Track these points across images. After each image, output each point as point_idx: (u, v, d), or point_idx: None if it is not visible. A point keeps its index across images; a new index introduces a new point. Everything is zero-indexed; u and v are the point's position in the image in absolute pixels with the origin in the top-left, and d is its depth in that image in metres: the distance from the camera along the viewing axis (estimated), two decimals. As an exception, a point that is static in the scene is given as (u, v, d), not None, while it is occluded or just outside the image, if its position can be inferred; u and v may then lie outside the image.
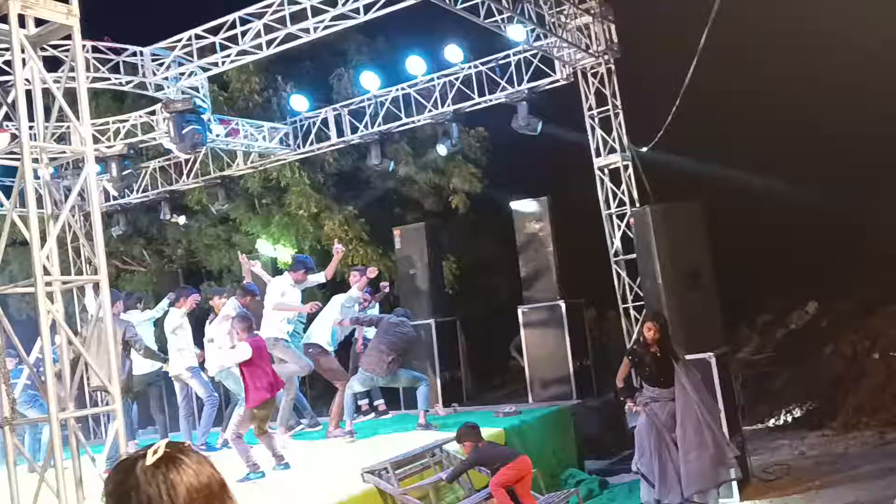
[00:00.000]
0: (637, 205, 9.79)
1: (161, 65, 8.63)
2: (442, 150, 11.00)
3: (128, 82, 8.61)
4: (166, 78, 8.66)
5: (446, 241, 12.81)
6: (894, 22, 11.26)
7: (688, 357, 7.06)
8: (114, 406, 4.17)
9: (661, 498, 6.70)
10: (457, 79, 10.91)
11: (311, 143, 11.99)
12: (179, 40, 8.56)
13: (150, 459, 1.51)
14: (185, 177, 12.69)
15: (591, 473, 8.77)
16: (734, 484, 7.03)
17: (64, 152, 4.55)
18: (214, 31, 8.40)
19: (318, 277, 9.40)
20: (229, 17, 8.30)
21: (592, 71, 10.20)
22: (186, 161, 12.52)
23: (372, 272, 9.81)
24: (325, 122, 11.88)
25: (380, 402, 10.05)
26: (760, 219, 14.15)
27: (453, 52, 10.71)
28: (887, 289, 12.54)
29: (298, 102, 11.94)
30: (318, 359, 8.85)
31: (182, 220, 13.13)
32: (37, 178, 4.39)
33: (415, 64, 11.06)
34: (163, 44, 8.65)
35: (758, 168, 13.82)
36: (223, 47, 8.44)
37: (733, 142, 13.83)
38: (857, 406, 9.82)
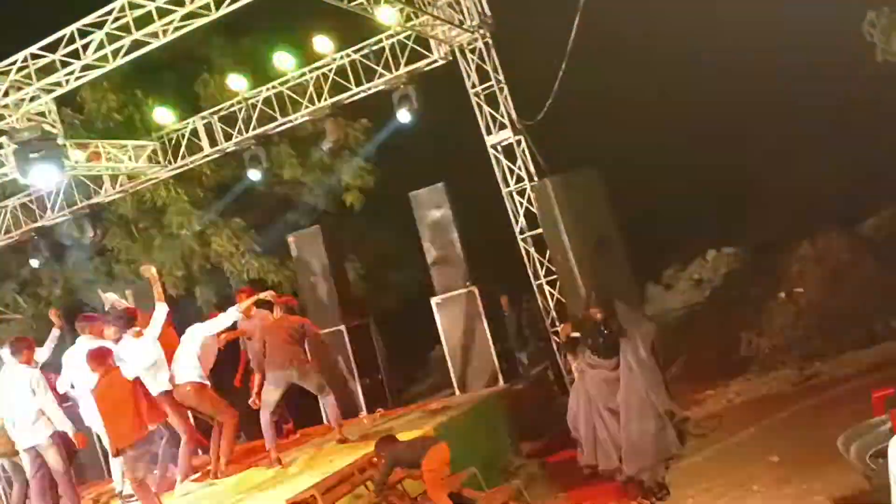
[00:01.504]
0: (535, 179, 9.62)
1: (-2, 91, 7.81)
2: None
3: (-40, 114, 7.76)
4: (6, 105, 7.83)
5: (346, 241, 12.35)
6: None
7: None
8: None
9: (590, 461, 6.62)
10: (330, 70, 10.44)
11: (183, 157, 11.31)
12: (14, 62, 7.74)
13: None
14: (49, 210, 11.73)
15: (530, 456, 8.59)
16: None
17: None
18: (52, 47, 7.64)
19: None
20: (66, 31, 7.54)
21: (470, 47, 9.95)
22: (49, 194, 11.56)
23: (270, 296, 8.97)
24: (194, 132, 11.20)
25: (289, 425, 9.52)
26: (648, 180, 14.37)
27: (322, 43, 10.24)
28: (776, 231, 12.98)
29: (163, 115, 11.20)
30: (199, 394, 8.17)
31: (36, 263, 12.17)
32: None
33: (283, 60, 10.54)
34: (-5, 68, 7.83)
35: (643, 129, 14.05)
36: (64, 64, 7.67)
37: (619, 106, 13.94)
38: (772, 346, 10.02)
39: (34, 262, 12.16)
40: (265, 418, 8.10)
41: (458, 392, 9.94)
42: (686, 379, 9.78)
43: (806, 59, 12.92)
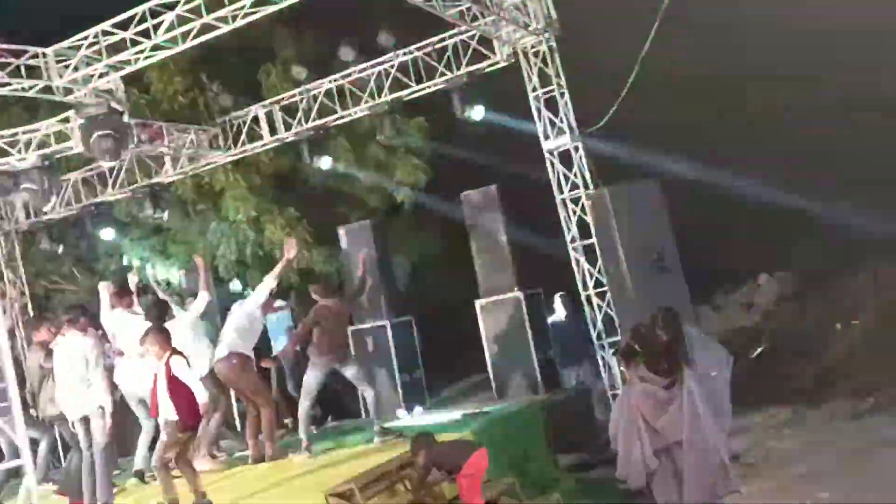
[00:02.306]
0: (591, 188, 9.37)
1: (67, 66, 7.83)
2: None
3: (31, 87, 7.80)
4: (75, 80, 7.86)
5: (395, 237, 12.25)
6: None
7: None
8: (21, 462, 3.51)
9: (621, 476, 6.35)
10: (392, 66, 10.32)
11: (243, 144, 11.29)
12: (86, 38, 7.77)
13: None
14: (110, 187, 11.85)
15: (566, 469, 8.35)
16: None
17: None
18: (123, 25, 7.64)
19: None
20: (138, 10, 7.55)
21: (534, 50, 9.74)
22: (111, 170, 11.67)
23: None
24: (255, 120, 11.18)
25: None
26: (704, 198, 13.99)
27: (386, 39, 10.12)
28: (832, 259, 12.49)
29: (226, 102, 11.24)
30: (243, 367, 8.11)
31: (109, 233, 12.32)
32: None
33: (346, 53, 10.45)
34: (67, 43, 7.85)
35: (704, 146, 13.65)
36: (134, 43, 7.67)
37: (682, 122, 13.55)
38: (825, 377, 9.62)
39: (93, 237, 12.30)
40: (304, 406, 8.04)
41: (496, 397, 9.76)
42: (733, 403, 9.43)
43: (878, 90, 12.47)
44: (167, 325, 8.03)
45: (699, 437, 5.92)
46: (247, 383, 8.06)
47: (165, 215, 12.01)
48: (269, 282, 8.43)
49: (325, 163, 11.16)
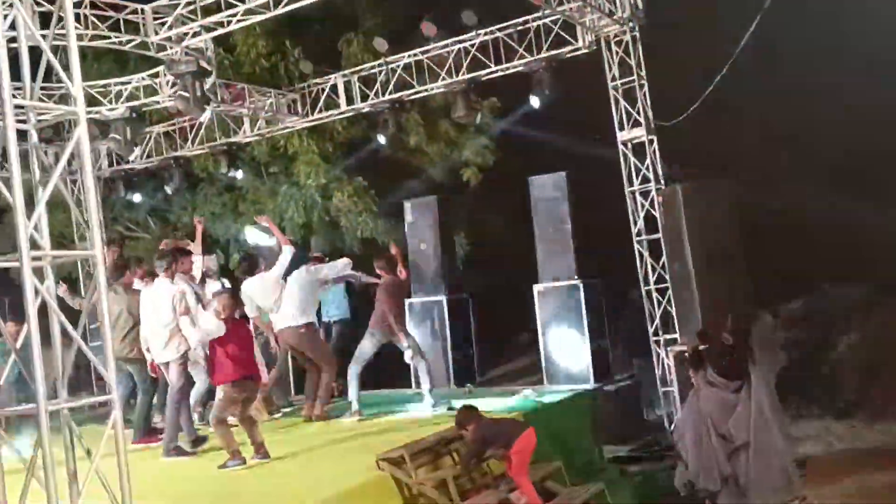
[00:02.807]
0: (662, 182, 9.28)
1: (163, 24, 8.07)
2: (537, 100, 9.88)
3: (128, 41, 8.07)
4: (169, 38, 8.11)
5: (458, 215, 12.31)
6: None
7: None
8: (111, 396, 3.71)
9: (696, 481, 6.31)
10: (472, 45, 10.32)
11: (320, 111, 11.45)
12: (183, -3, 8.01)
13: None
14: (190, 143, 12.18)
15: (610, 460, 8.38)
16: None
17: (54, 112, 4.04)
18: (219, -13, 7.85)
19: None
20: (235, -27, 7.73)
21: (616, 39, 9.65)
22: (191, 126, 12.01)
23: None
24: (333, 88, 11.32)
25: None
26: (774, 202, 13.63)
27: (469, 17, 10.12)
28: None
29: (306, 68, 11.39)
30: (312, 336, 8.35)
31: (183, 186, 12.70)
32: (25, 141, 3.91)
33: (428, 29, 10.48)
34: (165, 1, 8.08)
35: (781, 151, 13.29)
36: (228, 6, 7.86)
37: (763, 124, 13.22)
38: (886, 395, 9.37)
39: (168, 189, 12.66)
40: (354, 370, 8.21)
41: (546, 383, 9.80)
42: (786, 413, 9.28)
43: None
44: (253, 281, 8.26)
45: (766, 441, 5.89)
46: (314, 348, 8.24)
47: (239, 174, 12.30)
48: (347, 263, 8.71)
49: (381, 138, 11.19)
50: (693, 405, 6.28)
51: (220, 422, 6.62)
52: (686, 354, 6.69)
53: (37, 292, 3.65)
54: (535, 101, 9.91)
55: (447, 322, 10.54)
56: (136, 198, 13.12)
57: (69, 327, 3.73)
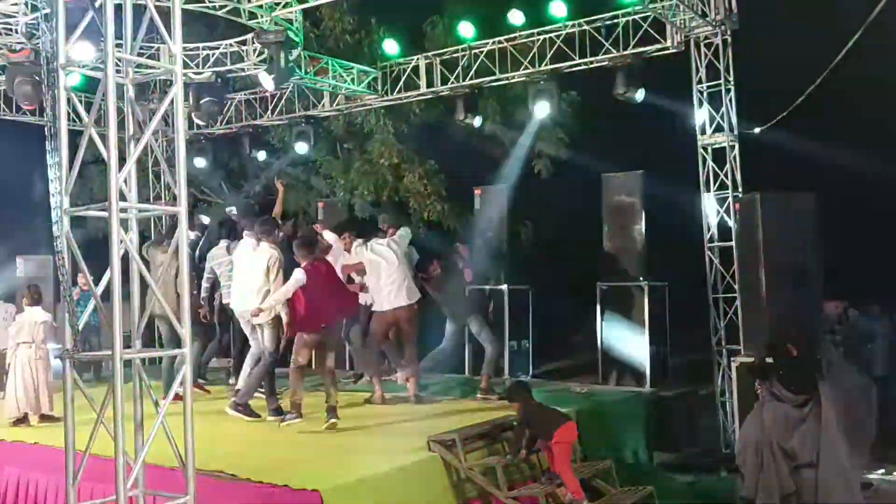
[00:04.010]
0: (741, 190, 9.03)
1: (257, -9, 8.20)
2: (620, 96, 9.73)
3: (221, 7, 8.21)
4: (261, 6, 8.22)
5: (527, 205, 12.22)
6: None
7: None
8: (184, 350, 3.80)
9: (749, 495, 6.15)
10: (558, 37, 10.19)
11: (399, 91, 11.48)
12: (278, -33, 8.11)
13: None
14: (269, 112, 12.38)
15: (661, 466, 8.25)
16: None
17: (152, 68, 4.13)
18: (316, -42, 7.90)
19: None
20: (330, -54, 7.77)
21: (706, 41, 9.40)
22: (272, 97, 12.19)
23: None
24: (415, 70, 11.33)
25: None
26: (858, 218, 13.11)
27: (559, 8, 9.99)
28: None
29: (390, 47, 11.41)
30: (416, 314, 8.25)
31: (262, 155, 12.87)
32: (121, 98, 4.01)
33: (516, 17, 10.40)
34: (261, -33, 8.21)
35: (870, 168, 12.74)
36: (321, -22, 7.93)
37: (854, 137, 12.70)
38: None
39: (244, 156, 12.88)
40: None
41: (601, 383, 9.68)
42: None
43: None
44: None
45: (832, 460, 5.70)
46: (413, 327, 8.20)
47: (301, 147, 12.33)
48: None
49: (476, 121, 11.17)
50: (756, 418, 6.10)
51: (295, 367, 6.86)
52: (753, 364, 6.50)
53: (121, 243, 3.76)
54: (618, 97, 9.75)
55: (506, 311, 10.48)
56: (213, 163, 13.38)
57: (149, 278, 3.83)
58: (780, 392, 5.98)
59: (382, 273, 7.92)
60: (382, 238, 8.20)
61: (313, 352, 7.14)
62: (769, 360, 6.16)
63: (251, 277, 7.34)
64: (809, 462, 5.75)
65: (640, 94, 9.62)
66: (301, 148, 11.90)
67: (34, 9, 7.48)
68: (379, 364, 8.46)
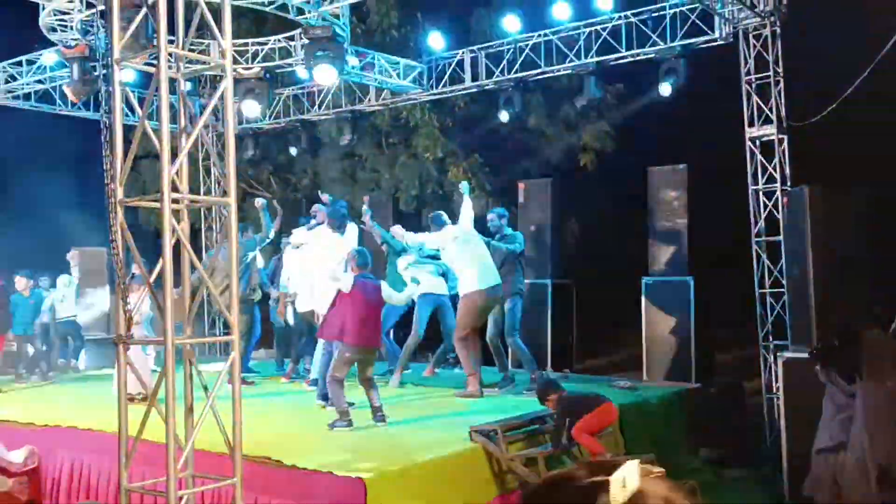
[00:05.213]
0: (789, 183, 8.86)
1: (305, -14, 8.30)
2: (665, 89, 9.71)
3: (270, 2, 8.33)
4: (308, 2, 8.32)
5: (571, 199, 12.16)
6: None
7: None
8: (232, 337, 3.90)
9: (803, 489, 6.05)
10: (604, 29, 10.10)
11: (445, 85, 11.50)
12: (326, -37, 8.19)
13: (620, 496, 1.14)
14: (316, 107, 12.51)
15: (705, 461, 8.16)
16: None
17: (203, 63, 4.23)
18: (362, -46, 7.96)
19: None
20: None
21: (755, 32, 9.22)
22: (319, 91, 12.31)
23: None
24: (460, 64, 11.34)
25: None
26: None
27: (604, 1, 9.91)
28: None
29: (435, 41, 11.44)
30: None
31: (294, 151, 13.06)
32: (174, 93, 4.12)
33: (561, 10, 10.34)
34: (309, -37, 8.30)
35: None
36: (369, -26, 7.99)
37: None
38: None
39: (293, 151, 13.04)
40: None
41: (645, 377, 9.61)
42: None
43: None
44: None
45: (859, 450, 5.59)
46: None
47: (351, 140, 12.45)
48: None
49: (503, 117, 11.10)
50: (826, 402, 5.96)
51: (335, 381, 6.68)
52: (816, 348, 6.36)
53: (173, 232, 3.87)
54: (664, 90, 9.66)
55: (549, 306, 10.46)
56: (261, 157, 13.59)
57: (200, 267, 3.93)
58: (835, 378, 5.88)
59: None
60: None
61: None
62: (828, 346, 6.07)
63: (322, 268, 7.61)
64: (841, 443, 5.67)
65: (685, 87, 9.47)
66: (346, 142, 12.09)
67: (90, 6, 7.69)
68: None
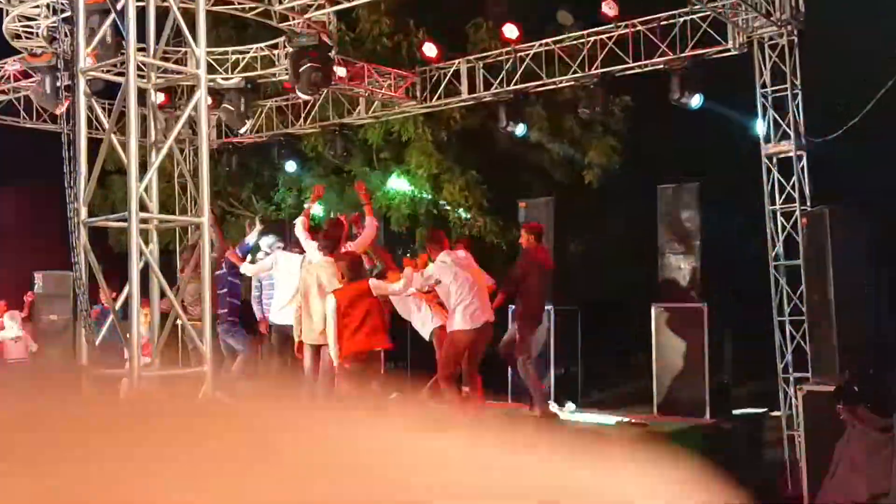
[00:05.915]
0: (809, 203, 8.86)
1: (288, -8, 8.33)
2: (676, 101, 9.64)
3: (251, 9, 8.35)
4: (293, 7, 8.35)
5: (575, 218, 12.14)
6: None
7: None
8: (204, 367, 3.85)
9: None
10: (610, 38, 10.14)
11: (439, 97, 11.51)
12: (311, -34, 8.22)
13: None
14: (301, 120, 12.51)
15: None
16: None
17: (176, 73, 4.22)
18: (349, -41, 8.01)
19: None
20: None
21: (771, 42, 9.26)
22: (305, 104, 12.31)
23: None
24: (456, 74, 11.36)
25: None
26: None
27: (610, 8, 9.95)
28: None
29: (430, 51, 11.46)
30: None
31: (292, 166, 13.02)
32: (144, 103, 4.10)
33: (564, 17, 10.40)
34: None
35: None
36: (356, -22, 8.04)
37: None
38: None
39: (276, 166, 13.03)
40: None
41: (655, 411, 9.53)
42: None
43: None
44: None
45: (858, 478, 5.54)
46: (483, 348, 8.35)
47: (338, 155, 12.46)
48: None
49: (520, 129, 11.14)
50: (843, 449, 5.90)
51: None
52: (839, 385, 6.30)
53: (140, 255, 3.83)
54: (674, 102, 9.66)
55: (552, 334, 10.39)
56: (242, 173, 13.59)
57: (168, 291, 3.89)
58: (866, 414, 5.82)
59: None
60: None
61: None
62: (852, 381, 6.01)
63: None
64: (885, 492, 5.57)
65: (696, 100, 9.50)
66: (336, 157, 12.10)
67: (56, 11, 7.70)
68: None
